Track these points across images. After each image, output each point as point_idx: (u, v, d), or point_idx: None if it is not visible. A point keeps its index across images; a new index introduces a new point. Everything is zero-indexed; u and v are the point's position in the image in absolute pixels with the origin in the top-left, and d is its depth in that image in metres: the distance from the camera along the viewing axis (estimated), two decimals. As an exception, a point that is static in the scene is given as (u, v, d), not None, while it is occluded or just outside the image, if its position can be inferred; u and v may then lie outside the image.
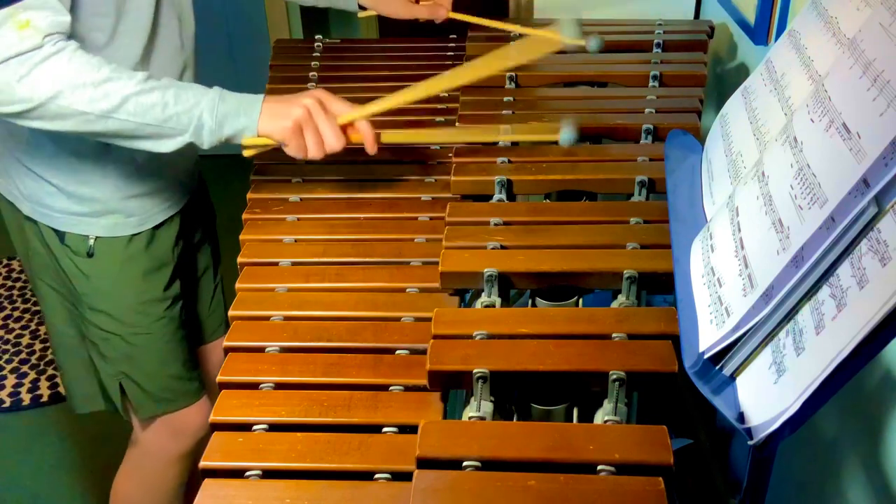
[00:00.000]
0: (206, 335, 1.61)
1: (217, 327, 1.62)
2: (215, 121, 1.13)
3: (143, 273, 1.36)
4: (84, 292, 1.35)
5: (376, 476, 0.87)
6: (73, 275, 1.34)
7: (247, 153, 1.21)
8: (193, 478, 1.73)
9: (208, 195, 1.57)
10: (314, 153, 1.18)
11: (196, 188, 1.48)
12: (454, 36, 1.76)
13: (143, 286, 1.37)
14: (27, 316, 2.69)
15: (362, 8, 1.59)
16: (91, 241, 1.32)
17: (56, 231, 1.32)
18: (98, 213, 1.31)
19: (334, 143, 1.18)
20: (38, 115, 1.07)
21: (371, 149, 1.21)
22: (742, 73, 1.69)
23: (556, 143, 1.27)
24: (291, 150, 1.18)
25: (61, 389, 2.28)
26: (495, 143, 1.36)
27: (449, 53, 1.72)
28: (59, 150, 1.26)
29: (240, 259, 1.19)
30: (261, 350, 1.04)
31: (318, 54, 1.70)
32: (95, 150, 1.25)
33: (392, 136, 1.29)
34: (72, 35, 1.11)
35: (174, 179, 1.38)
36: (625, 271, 1.05)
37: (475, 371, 0.92)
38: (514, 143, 1.38)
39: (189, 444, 1.50)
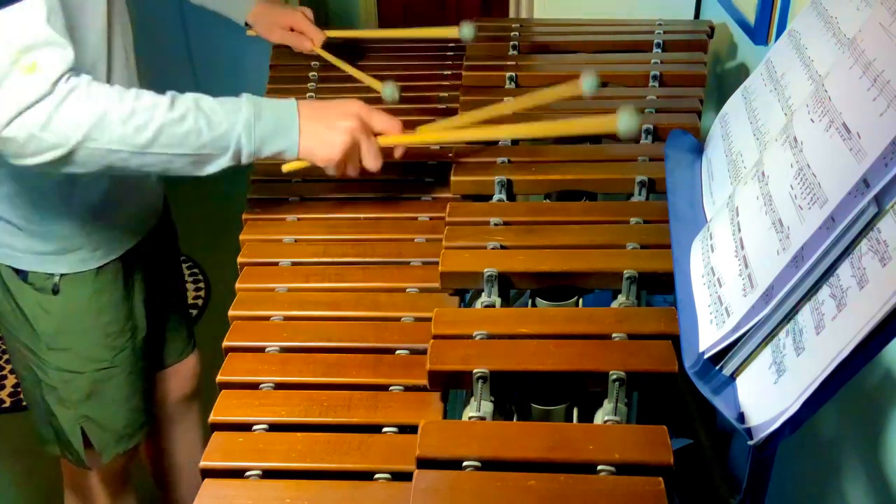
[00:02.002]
0: (169, 358, 1.57)
1: (182, 349, 1.58)
2: (254, 145, 1.09)
3: (110, 304, 1.31)
4: (45, 332, 1.28)
5: (376, 476, 0.87)
6: (35, 315, 1.27)
7: (286, 170, 1.19)
8: (177, 488, 1.73)
9: (170, 213, 1.50)
10: (351, 174, 1.16)
11: (162, 209, 1.44)
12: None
13: (110, 318, 1.32)
14: (27, 316, 2.69)
15: (249, 25, 1.62)
16: (56, 278, 1.26)
17: (17, 270, 1.25)
18: (64, 250, 1.25)
19: (373, 166, 1.16)
20: (72, 160, 1.02)
21: (398, 156, 1.22)
22: (742, 73, 1.69)
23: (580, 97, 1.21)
24: (330, 172, 1.16)
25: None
26: (496, 143, 1.36)
27: (449, 53, 1.72)
28: (20, 188, 1.19)
29: (240, 259, 1.19)
30: (261, 350, 1.04)
31: (317, 54, 1.70)
32: (60, 186, 1.19)
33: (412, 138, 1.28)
34: None
35: (140, 206, 1.34)
36: (625, 271, 1.05)
37: (475, 371, 0.92)
38: (515, 142, 1.38)
39: (129, 467, 1.48)
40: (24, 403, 2.33)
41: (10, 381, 2.44)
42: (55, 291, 1.27)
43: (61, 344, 1.30)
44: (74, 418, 1.34)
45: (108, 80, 1.18)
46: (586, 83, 1.17)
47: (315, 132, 1.12)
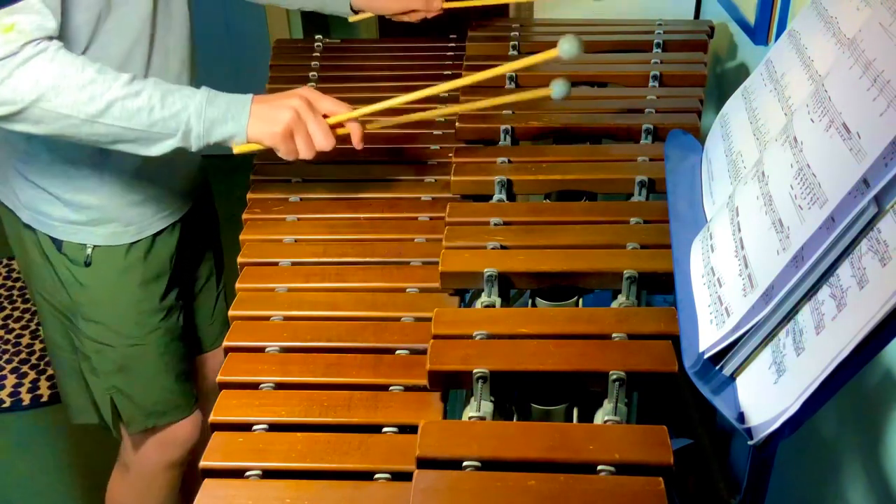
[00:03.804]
0: (205, 345, 1.59)
1: (217, 337, 1.59)
2: (203, 126, 1.11)
3: (141, 282, 1.34)
4: (80, 302, 1.32)
5: (376, 476, 0.87)
6: (70, 284, 1.32)
7: (237, 151, 1.18)
8: (191, 482, 1.73)
9: (212, 201, 1.54)
10: (304, 154, 1.16)
11: (200, 194, 1.46)
12: (454, 36, 1.76)
13: (140, 296, 1.35)
14: (27, 316, 2.69)
15: (354, 11, 1.59)
16: (89, 250, 1.30)
17: (54, 239, 1.30)
18: (96, 221, 1.29)
19: (324, 143, 1.16)
20: (22, 118, 1.06)
21: (357, 144, 1.19)
22: (742, 73, 1.69)
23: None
24: (282, 153, 1.16)
25: (61, 389, 2.28)
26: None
27: (449, 53, 1.72)
28: (55, 157, 1.24)
29: (240, 259, 1.19)
30: (261, 350, 1.04)
31: (318, 54, 1.70)
32: (92, 158, 1.24)
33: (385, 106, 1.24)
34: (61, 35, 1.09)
35: (174, 186, 1.36)
36: (625, 271, 1.05)
37: (475, 371, 0.92)
38: (515, 142, 1.38)
39: (178, 455, 1.49)
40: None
41: (10, 381, 2.44)
42: (87, 263, 1.30)
43: (95, 316, 1.33)
44: (105, 388, 1.38)
45: (147, 68, 1.23)
46: (564, 48, 1.12)
47: (261, 113, 1.14)
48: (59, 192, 1.26)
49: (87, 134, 1.09)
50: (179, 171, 1.37)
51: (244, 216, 1.28)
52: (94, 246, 1.30)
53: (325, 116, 1.17)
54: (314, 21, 3.36)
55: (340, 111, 1.18)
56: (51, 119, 1.06)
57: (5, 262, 2.95)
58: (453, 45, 1.74)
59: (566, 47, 1.10)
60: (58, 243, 1.30)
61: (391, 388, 0.98)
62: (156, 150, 1.12)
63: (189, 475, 1.72)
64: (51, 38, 1.06)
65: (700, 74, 1.50)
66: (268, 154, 1.44)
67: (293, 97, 1.15)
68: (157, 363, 1.39)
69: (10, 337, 2.62)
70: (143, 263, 1.34)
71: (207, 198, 1.51)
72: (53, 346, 1.43)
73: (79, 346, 1.36)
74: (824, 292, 0.70)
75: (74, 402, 1.45)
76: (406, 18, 1.60)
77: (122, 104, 1.07)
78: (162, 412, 1.42)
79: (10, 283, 2.86)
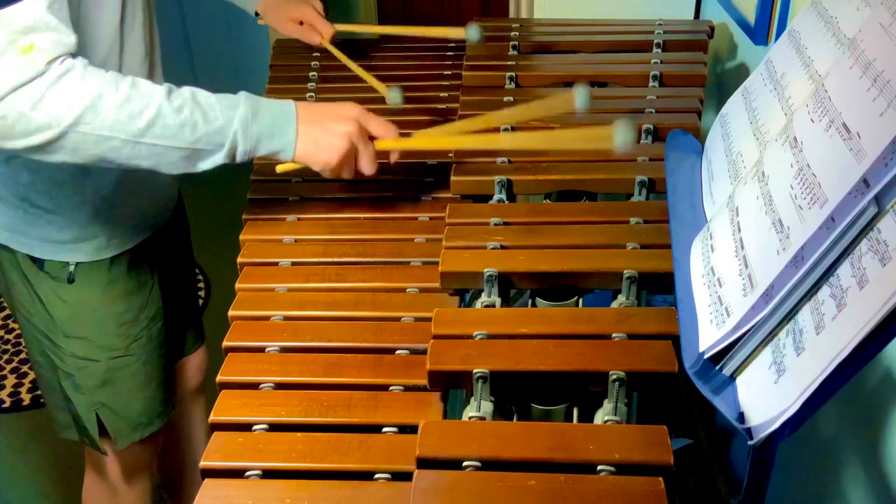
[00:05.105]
0: (185, 348, 1.59)
1: (194, 341, 1.60)
2: (250, 143, 1.08)
3: (124, 294, 1.32)
4: (62, 319, 1.29)
5: (376, 476, 0.87)
6: (51, 302, 1.29)
7: (280, 170, 1.19)
8: (178, 481, 1.73)
9: (183, 207, 1.51)
10: (347, 177, 1.16)
11: (176, 203, 1.44)
12: (454, 36, 1.76)
13: (123, 307, 1.33)
14: (27, 316, 2.69)
15: (259, 15, 1.63)
16: (72, 267, 1.27)
17: (34, 259, 1.26)
18: (79, 238, 1.26)
19: (368, 170, 1.16)
20: (59, 146, 0.99)
21: (393, 162, 1.22)
22: (742, 73, 1.69)
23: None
24: (326, 176, 1.15)
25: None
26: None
27: (449, 53, 1.72)
28: (36, 177, 1.20)
29: (240, 259, 1.19)
30: (261, 350, 1.04)
31: (318, 54, 1.70)
32: (73, 175, 1.20)
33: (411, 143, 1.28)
34: None
35: (154, 198, 1.35)
36: (625, 271, 1.05)
37: (475, 371, 0.92)
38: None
39: (147, 458, 1.48)
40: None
41: (10, 381, 2.44)
42: (70, 280, 1.28)
43: (77, 332, 1.31)
44: (90, 404, 1.35)
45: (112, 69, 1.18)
46: (579, 99, 1.12)
47: (312, 136, 1.11)
48: (41, 211, 1.23)
49: (127, 156, 1.03)
50: (160, 184, 1.34)
51: (244, 216, 1.28)
52: (77, 262, 1.27)
53: (371, 139, 1.17)
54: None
55: (388, 135, 1.17)
56: (90, 144, 1.00)
57: (5, 262, 2.94)
58: (453, 44, 1.74)
59: (621, 135, 1.06)
60: (39, 262, 1.27)
61: (391, 388, 0.98)
62: (201, 166, 1.08)
63: (176, 475, 1.73)
64: (73, 54, 1.00)
65: (700, 74, 1.50)
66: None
67: (346, 122, 1.13)
68: (141, 372, 1.37)
69: (10, 337, 2.62)
70: (127, 275, 1.32)
71: (180, 203, 1.49)
72: (34, 363, 1.41)
73: (60, 364, 1.33)
74: (824, 292, 0.70)
75: (57, 418, 1.42)
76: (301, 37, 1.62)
77: (164, 121, 1.02)
78: (147, 423, 1.40)
79: (10, 283, 2.86)
